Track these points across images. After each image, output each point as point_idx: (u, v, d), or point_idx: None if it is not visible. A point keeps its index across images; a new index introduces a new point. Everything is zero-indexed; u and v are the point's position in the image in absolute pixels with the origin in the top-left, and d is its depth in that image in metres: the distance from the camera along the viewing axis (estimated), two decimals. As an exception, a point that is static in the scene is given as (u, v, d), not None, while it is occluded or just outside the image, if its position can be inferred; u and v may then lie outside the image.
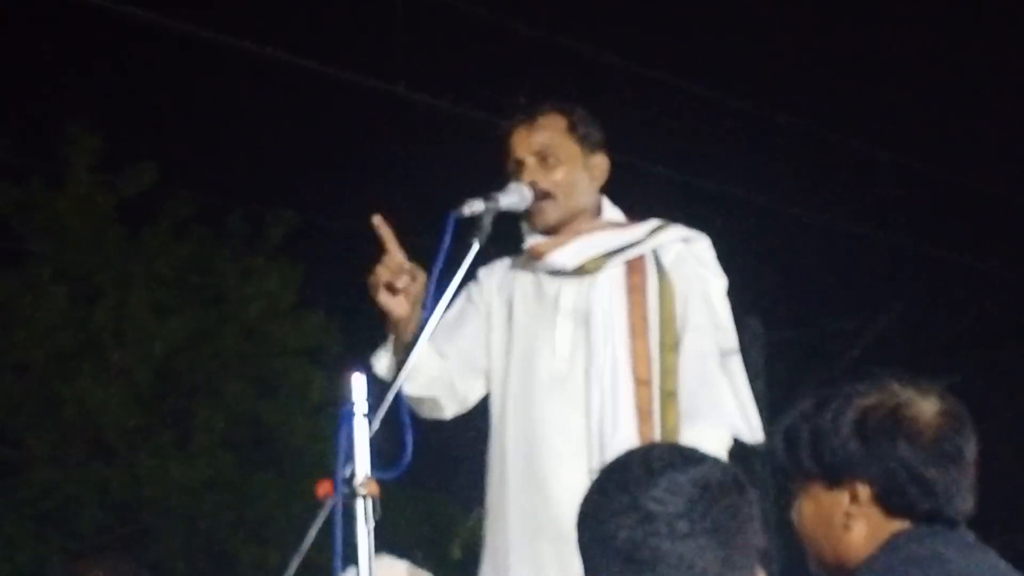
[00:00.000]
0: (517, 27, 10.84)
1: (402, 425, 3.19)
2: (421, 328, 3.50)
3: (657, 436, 3.57)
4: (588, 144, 3.78)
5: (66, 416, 12.66)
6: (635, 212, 3.86)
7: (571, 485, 3.60)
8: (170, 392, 13.40)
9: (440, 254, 3.58)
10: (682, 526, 2.01)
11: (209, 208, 13.68)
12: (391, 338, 3.67)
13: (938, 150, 15.06)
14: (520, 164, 3.75)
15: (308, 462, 13.46)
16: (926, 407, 2.30)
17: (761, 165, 14.52)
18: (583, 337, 3.68)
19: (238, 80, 12.48)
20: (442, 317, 3.47)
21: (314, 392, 13.68)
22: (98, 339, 12.84)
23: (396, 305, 3.58)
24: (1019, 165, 15.97)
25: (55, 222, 12.92)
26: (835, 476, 2.32)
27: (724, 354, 3.73)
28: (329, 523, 2.99)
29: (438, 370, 3.72)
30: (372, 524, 2.99)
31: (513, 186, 3.69)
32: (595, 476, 2.22)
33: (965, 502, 2.30)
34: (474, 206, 3.58)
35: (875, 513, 2.30)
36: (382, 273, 3.55)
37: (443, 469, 14.34)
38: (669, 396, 3.61)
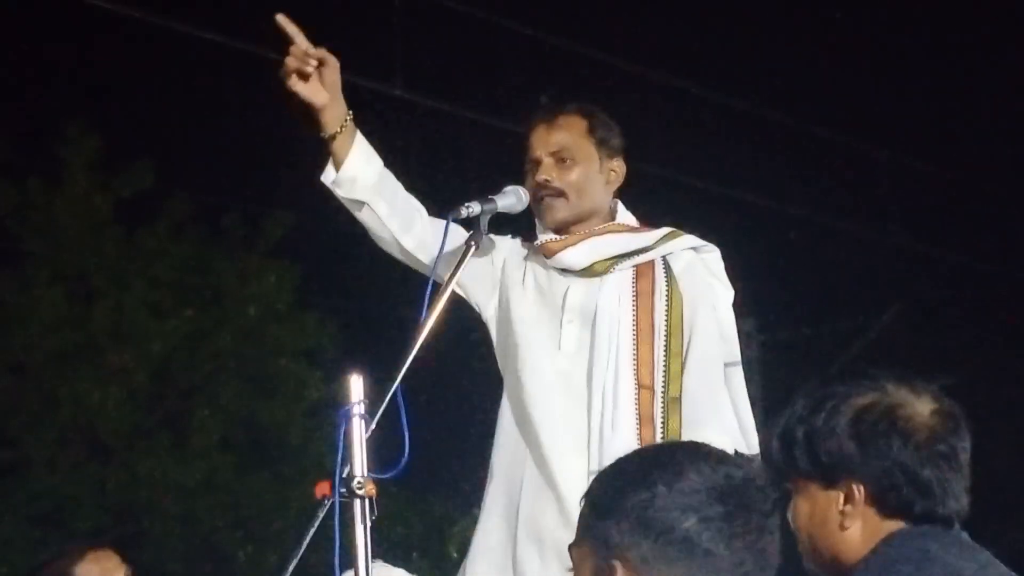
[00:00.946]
0: (514, 28, 10.85)
1: (400, 425, 3.19)
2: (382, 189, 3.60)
3: (659, 441, 3.57)
4: (606, 148, 3.79)
5: (63, 417, 12.66)
6: (636, 212, 3.88)
7: (572, 484, 3.61)
8: (167, 393, 13.40)
9: (438, 256, 3.59)
10: (738, 524, 2.03)
11: (206, 209, 13.69)
12: (326, 140, 3.60)
13: (938, 150, 15.07)
14: (537, 162, 3.77)
15: (305, 462, 13.47)
16: (921, 407, 2.31)
17: (757, 165, 14.53)
18: (588, 337, 3.69)
19: (235, 80, 12.48)
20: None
21: (311, 393, 13.69)
22: (95, 340, 12.84)
23: (311, 92, 3.50)
24: (1019, 165, 15.98)
25: (52, 223, 12.92)
26: (831, 476, 2.32)
27: (727, 365, 3.74)
28: (327, 524, 2.99)
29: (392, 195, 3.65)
30: (369, 524, 3.00)
31: (510, 188, 3.70)
32: (640, 461, 2.19)
33: (959, 502, 2.31)
34: (471, 208, 3.59)
35: (871, 513, 2.31)
36: (289, 62, 3.49)
37: (440, 469, 14.36)
38: (673, 402, 3.61)
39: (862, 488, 2.32)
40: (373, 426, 3.11)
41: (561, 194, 3.73)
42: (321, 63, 3.51)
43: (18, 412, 12.70)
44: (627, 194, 3.95)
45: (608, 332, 3.67)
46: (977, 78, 15.91)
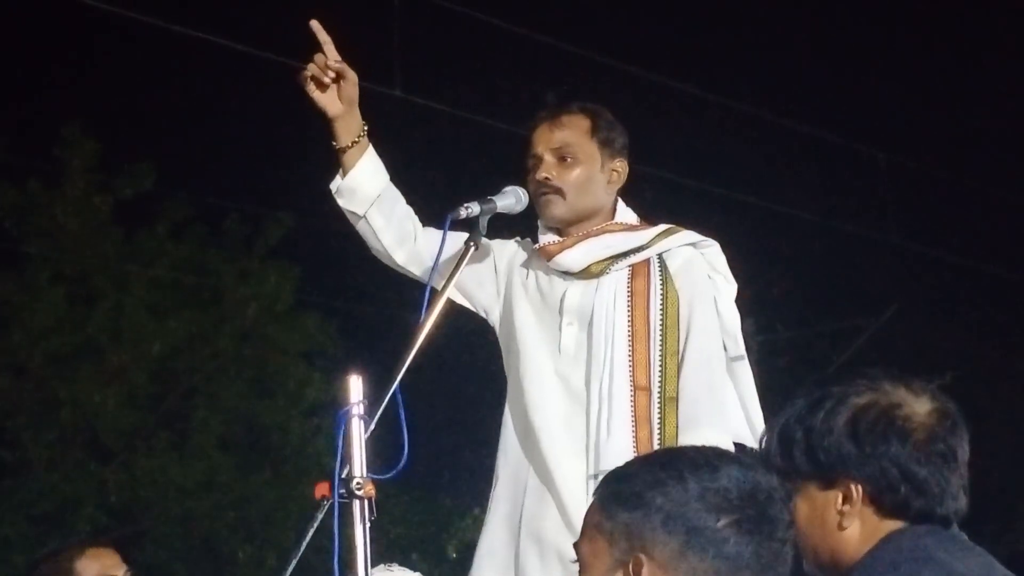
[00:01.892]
0: (513, 30, 10.85)
1: (399, 426, 3.20)
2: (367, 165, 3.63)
3: (656, 442, 3.55)
4: (609, 148, 3.78)
5: (64, 418, 12.68)
6: (636, 212, 3.87)
7: (571, 487, 3.61)
8: (167, 393, 13.42)
9: (438, 255, 3.60)
10: (749, 523, 2.05)
11: (206, 210, 13.71)
12: (337, 151, 3.68)
13: (937, 151, 15.10)
14: (538, 160, 3.76)
15: (305, 463, 13.49)
16: (919, 407, 2.31)
17: (757, 166, 14.55)
18: (585, 339, 3.69)
19: (235, 83, 12.50)
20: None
21: (311, 393, 13.70)
22: (96, 341, 12.86)
23: (327, 102, 3.60)
24: (1019, 166, 16.00)
25: (52, 224, 12.93)
26: (829, 476, 2.33)
27: (732, 360, 3.72)
28: (326, 524, 3.00)
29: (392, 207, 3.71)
30: (369, 525, 3.00)
31: (509, 189, 3.70)
32: (662, 459, 2.21)
33: (957, 501, 2.31)
34: (470, 208, 3.59)
35: (869, 513, 2.31)
36: (310, 68, 3.57)
37: (440, 469, 14.38)
38: (670, 401, 3.59)
39: (860, 488, 2.32)
40: (372, 427, 3.12)
41: (559, 192, 3.73)
42: (340, 76, 3.57)
43: (18, 412, 12.72)
44: (627, 194, 3.95)
45: (604, 334, 3.66)
46: (977, 79, 15.94)
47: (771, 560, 2.09)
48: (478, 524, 3.86)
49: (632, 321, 3.69)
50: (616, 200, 3.85)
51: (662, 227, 3.81)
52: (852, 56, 15.87)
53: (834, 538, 2.36)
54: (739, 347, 3.79)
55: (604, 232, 3.78)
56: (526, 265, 3.86)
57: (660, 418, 3.62)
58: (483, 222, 3.64)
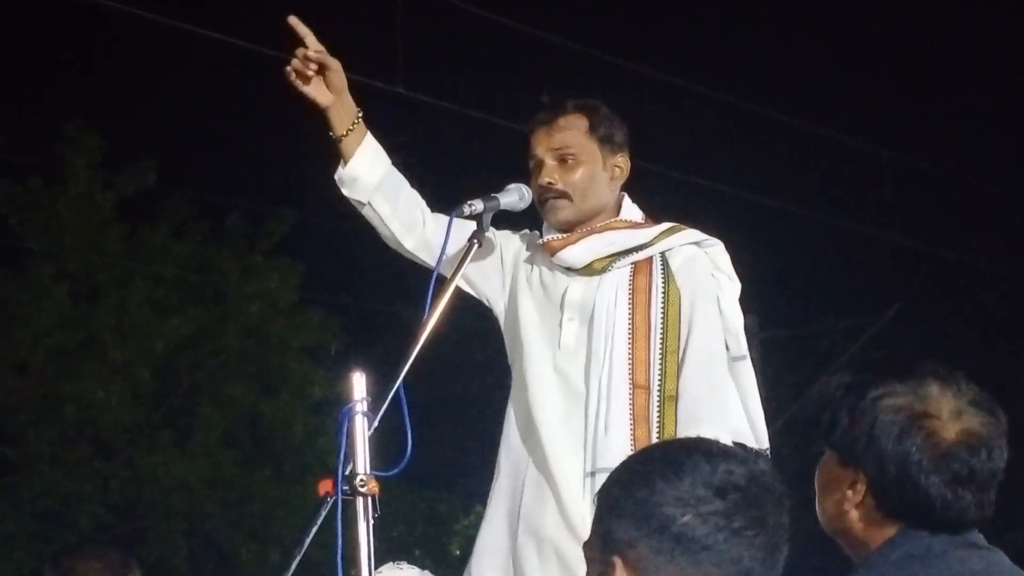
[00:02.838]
0: (516, 27, 10.85)
1: (402, 423, 3.20)
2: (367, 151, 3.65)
3: (654, 440, 3.55)
4: (609, 145, 3.77)
5: (67, 415, 12.68)
6: (642, 210, 3.87)
7: (569, 484, 3.62)
8: (170, 391, 13.42)
9: (440, 253, 3.61)
10: (738, 520, 2.03)
11: (209, 207, 13.71)
12: (334, 140, 3.69)
13: (939, 151, 15.09)
14: (540, 163, 3.76)
15: (308, 460, 13.49)
16: (950, 424, 2.29)
17: (759, 164, 14.55)
18: (586, 335, 3.69)
19: (238, 79, 12.49)
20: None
21: (314, 390, 13.70)
22: (98, 338, 12.86)
23: (316, 93, 3.62)
24: (1019, 165, 16.00)
25: (55, 221, 12.94)
26: (844, 457, 2.35)
27: (734, 359, 3.71)
28: (329, 521, 3.00)
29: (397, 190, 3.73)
30: (372, 522, 3.00)
31: (512, 186, 3.70)
32: (647, 456, 2.21)
33: (967, 514, 2.30)
34: (474, 206, 3.60)
35: (871, 506, 2.32)
36: (293, 63, 3.58)
37: (443, 467, 14.38)
38: (669, 400, 3.59)
39: (864, 481, 2.33)
40: (376, 424, 3.13)
41: (564, 195, 3.72)
42: (322, 67, 3.57)
43: (22, 409, 12.72)
44: (630, 192, 3.94)
45: (604, 331, 3.66)
46: (978, 79, 15.93)
47: (750, 549, 2.07)
48: (481, 522, 3.86)
49: (632, 319, 3.69)
50: (622, 196, 3.85)
51: (666, 225, 3.81)
52: (854, 55, 15.87)
53: (841, 511, 2.39)
54: (741, 346, 3.79)
55: (608, 229, 3.78)
56: (531, 259, 3.87)
57: (659, 417, 3.63)
58: (486, 219, 3.65)
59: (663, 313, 3.70)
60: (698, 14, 14.99)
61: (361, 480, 3.02)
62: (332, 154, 3.76)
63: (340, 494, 3.02)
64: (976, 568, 2.34)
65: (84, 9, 9.92)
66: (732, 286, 3.79)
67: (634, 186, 3.95)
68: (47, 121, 13.03)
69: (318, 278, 14.09)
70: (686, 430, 3.53)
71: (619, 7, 15.06)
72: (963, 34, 15.34)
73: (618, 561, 2.09)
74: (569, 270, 3.78)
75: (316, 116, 3.70)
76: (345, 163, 3.71)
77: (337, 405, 3.14)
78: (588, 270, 3.75)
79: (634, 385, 3.64)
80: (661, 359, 3.66)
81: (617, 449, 3.56)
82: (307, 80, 3.59)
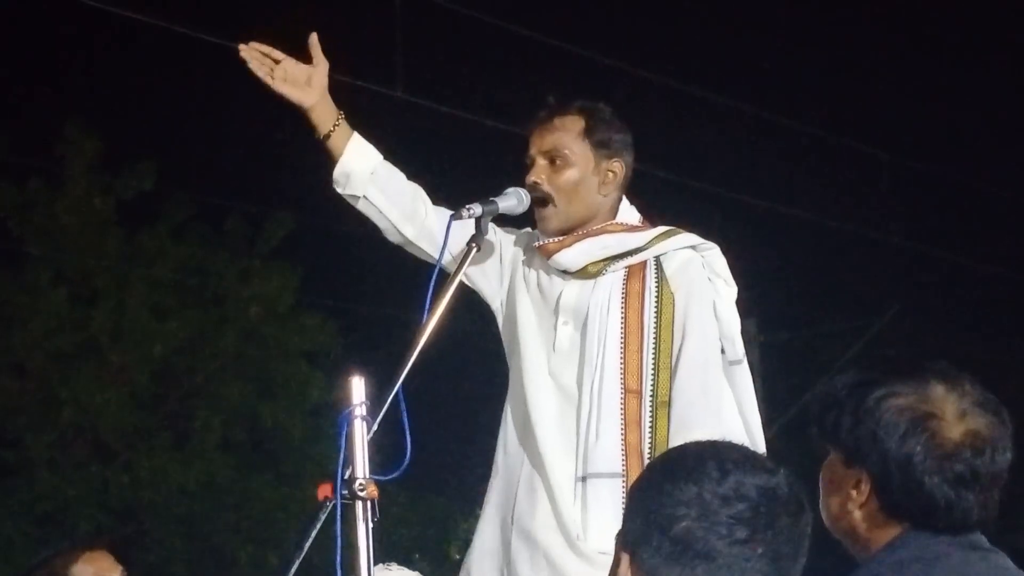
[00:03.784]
0: (515, 31, 10.85)
1: (402, 427, 3.20)
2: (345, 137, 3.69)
3: (646, 446, 3.54)
4: (604, 149, 3.74)
5: (65, 418, 12.68)
6: (645, 215, 3.86)
7: (562, 486, 3.61)
8: (169, 394, 13.42)
9: (440, 256, 3.60)
10: (741, 531, 2.04)
11: (207, 210, 13.71)
12: (321, 141, 3.72)
13: (938, 152, 15.08)
14: (532, 163, 3.76)
15: (307, 464, 13.49)
16: (955, 425, 2.29)
17: (758, 166, 14.54)
18: (579, 339, 3.69)
19: (236, 82, 12.47)
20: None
21: (313, 393, 13.70)
22: (97, 341, 12.86)
23: (299, 93, 3.66)
24: (1019, 166, 15.99)
25: (54, 224, 12.93)
26: (849, 457, 2.35)
27: (730, 363, 3.70)
28: (328, 525, 3.00)
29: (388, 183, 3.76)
30: (371, 526, 3.00)
31: (511, 190, 3.69)
32: (665, 458, 2.21)
33: (970, 516, 2.30)
34: (472, 210, 3.59)
35: (875, 507, 2.32)
36: (275, 70, 3.63)
37: (442, 470, 14.37)
38: (662, 405, 3.58)
39: (868, 481, 2.33)
40: (375, 428, 3.12)
41: (548, 199, 3.71)
42: (313, 65, 3.62)
43: (20, 413, 12.72)
44: (629, 194, 3.93)
45: (597, 335, 3.65)
46: (977, 80, 15.93)
47: (753, 558, 2.07)
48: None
49: (625, 323, 3.68)
50: (619, 199, 3.83)
51: (661, 229, 3.79)
52: (852, 56, 15.86)
53: (845, 511, 2.38)
54: (738, 350, 3.77)
55: (603, 232, 3.76)
56: (529, 260, 3.86)
57: (651, 422, 3.61)
58: (485, 223, 3.64)
59: (656, 317, 3.68)
60: (696, 17, 14.99)
61: (360, 484, 3.02)
62: (328, 161, 3.78)
63: (339, 498, 3.02)
64: (979, 570, 2.34)
65: (83, 12, 9.91)
66: (729, 290, 3.77)
67: (631, 189, 3.94)
68: (46, 124, 13.03)
69: (316, 281, 14.09)
70: (678, 435, 3.51)
71: (617, 10, 15.06)
72: (963, 34, 15.35)
73: (625, 557, 2.11)
74: (565, 273, 3.77)
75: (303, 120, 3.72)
76: (335, 161, 3.73)
77: (336, 409, 3.14)
78: (583, 273, 3.74)
79: (626, 390, 3.63)
80: (654, 364, 3.65)
81: (608, 454, 3.56)
82: (266, 71, 3.64)
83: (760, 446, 3.68)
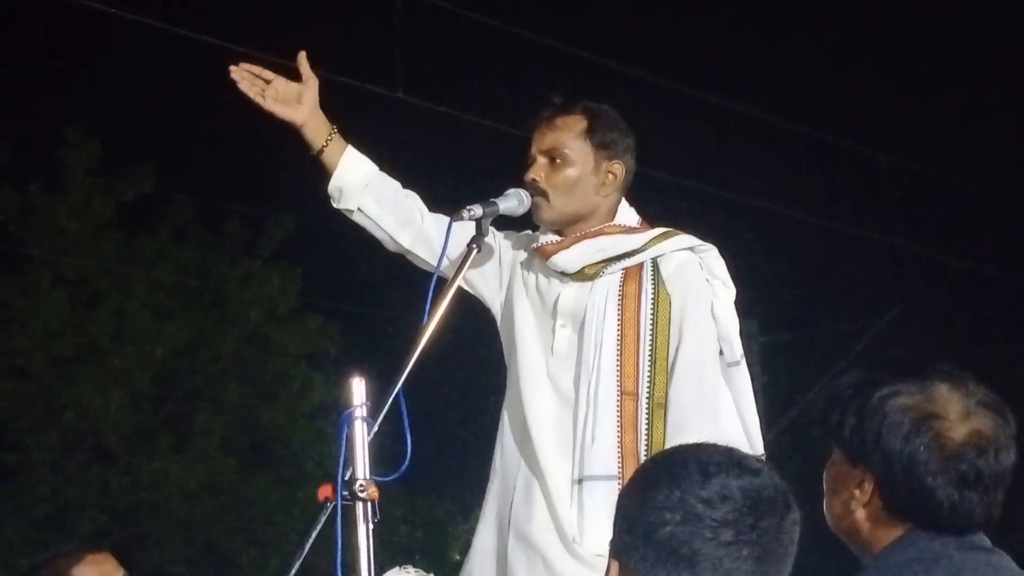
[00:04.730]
0: (515, 32, 10.85)
1: (402, 428, 3.20)
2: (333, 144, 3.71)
3: (643, 448, 3.53)
4: (605, 150, 3.73)
5: (66, 420, 12.68)
6: (639, 213, 3.85)
7: (558, 489, 3.61)
8: (170, 396, 13.42)
9: (440, 258, 3.61)
10: (726, 534, 2.03)
11: (208, 212, 13.71)
12: (315, 157, 3.75)
13: (939, 153, 15.09)
14: (532, 161, 3.76)
15: (308, 465, 13.49)
16: (959, 425, 2.28)
17: (759, 168, 14.55)
18: (577, 341, 3.68)
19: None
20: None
21: (314, 395, 13.71)
22: (97, 343, 12.86)
23: (290, 111, 3.69)
24: (1019, 168, 15.99)
25: (54, 227, 12.94)
26: (852, 457, 2.35)
27: (729, 365, 3.69)
28: (329, 526, 3.00)
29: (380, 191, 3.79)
30: (371, 527, 3.00)
31: (511, 191, 3.69)
32: (649, 463, 2.21)
33: (973, 516, 2.30)
34: (473, 211, 3.59)
35: (878, 507, 2.32)
36: (265, 89, 3.66)
37: (442, 471, 14.37)
38: (658, 407, 3.57)
39: (872, 481, 2.33)
40: (375, 429, 3.12)
41: (544, 195, 3.71)
42: (303, 83, 3.64)
43: (21, 415, 12.72)
44: (629, 196, 3.93)
45: (594, 337, 3.63)
46: (978, 81, 15.93)
47: (739, 560, 2.06)
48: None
49: (622, 326, 3.67)
50: (618, 201, 3.82)
51: (659, 230, 3.77)
52: (853, 56, 15.87)
53: (848, 510, 2.38)
54: (736, 352, 3.75)
55: (601, 234, 3.76)
56: (528, 262, 3.86)
57: (648, 424, 3.60)
58: (486, 224, 3.64)
59: (652, 319, 3.67)
60: (697, 18, 15.00)
61: (361, 485, 3.02)
62: (322, 173, 3.80)
63: (340, 499, 3.02)
64: (982, 571, 2.34)
65: (82, 14, 9.92)
66: (727, 291, 3.76)
67: (632, 191, 3.94)
68: (46, 127, 13.03)
69: (317, 283, 14.09)
70: (675, 438, 3.50)
71: (617, 11, 15.06)
72: (962, 36, 15.35)
73: (614, 565, 2.10)
74: (563, 275, 3.76)
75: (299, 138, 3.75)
76: (330, 176, 3.74)
77: (336, 410, 3.14)
78: (580, 276, 3.74)
79: (622, 392, 3.62)
80: (650, 366, 3.64)
81: (604, 457, 3.55)
82: (257, 91, 3.66)
83: (759, 447, 3.68)
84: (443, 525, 15.58)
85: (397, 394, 3.24)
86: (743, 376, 3.76)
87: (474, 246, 3.60)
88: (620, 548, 2.09)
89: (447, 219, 3.67)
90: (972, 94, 15.93)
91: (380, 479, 3.07)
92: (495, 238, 3.86)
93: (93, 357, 12.86)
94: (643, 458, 3.52)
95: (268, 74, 3.70)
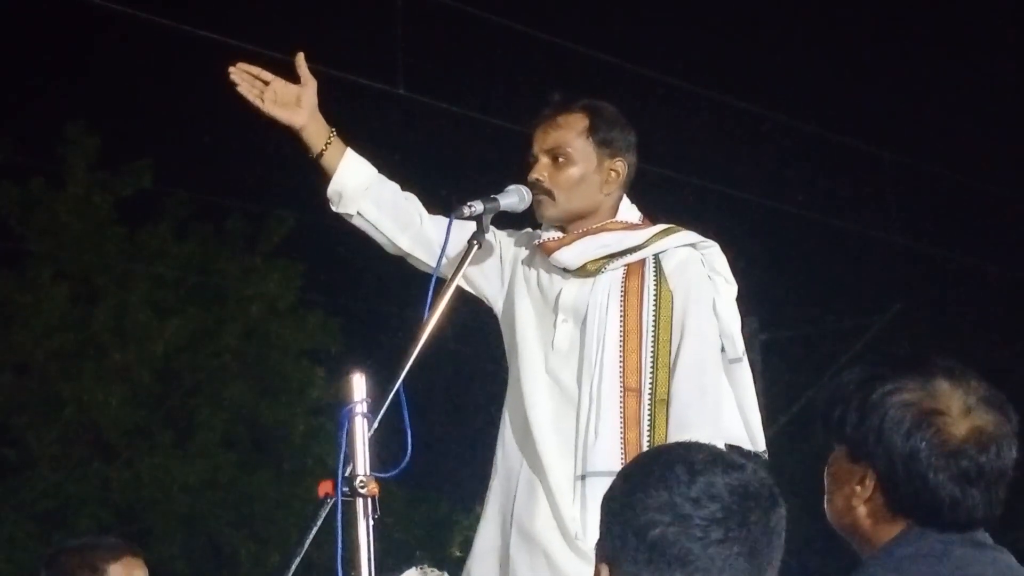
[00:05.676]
0: (515, 29, 10.85)
1: (403, 424, 3.20)
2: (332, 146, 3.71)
3: (645, 444, 3.54)
4: (607, 147, 3.74)
5: (67, 416, 12.68)
6: (646, 213, 3.85)
7: (561, 486, 3.61)
8: (170, 392, 13.42)
9: (441, 253, 3.61)
10: (716, 532, 2.04)
11: (209, 208, 13.71)
12: (314, 160, 3.75)
13: (940, 151, 15.08)
14: (534, 160, 3.76)
15: (308, 461, 13.50)
16: (960, 421, 2.28)
17: (760, 165, 14.55)
18: (579, 338, 3.69)
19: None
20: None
21: (314, 391, 13.71)
22: (98, 339, 12.86)
23: (289, 115, 3.68)
24: (1019, 166, 15.99)
25: (55, 222, 12.94)
26: (854, 453, 2.35)
27: (730, 361, 3.71)
28: (329, 522, 3.00)
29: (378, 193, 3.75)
30: (372, 523, 3.00)
31: (512, 187, 3.69)
32: (634, 465, 2.21)
33: (975, 513, 2.30)
34: (473, 207, 3.59)
35: (880, 503, 2.32)
36: (264, 92, 3.65)
37: (443, 468, 14.37)
38: (660, 404, 3.57)
39: (874, 477, 2.33)
40: (375, 425, 3.12)
41: (549, 194, 3.71)
42: (301, 84, 3.64)
43: (22, 411, 12.72)
44: (630, 193, 3.93)
45: (596, 333, 3.64)
46: (978, 80, 15.93)
47: (730, 558, 2.06)
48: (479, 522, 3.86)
49: (624, 322, 3.68)
50: (620, 198, 3.83)
51: (661, 227, 3.79)
52: (854, 55, 15.87)
53: (849, 506, 2.38)
54: (738, 348, 3.76)
55: (603, 230, 3.76)
56: (529, 259, 3.86)
57: (650, 421, 3.61)
58: (486, 221, 3.64)
59: (655, 316, 3.68)
60: (698, 15, 14.99)
61: (361, 481, 3.02)
62: (321, 176, 3.80)
63: (340, 495, 3.02)
64: (983, 567, 2.34)
65: (82, 10, 9.92)
66: (728, 288, 3.77)
67: (634, 188, 3.94)
68: (47, 123, 13.03)
69: (318, 279, 14.09)
70: (677, 434, 3.51)
71: (618, 8, 15.06)
72: (963, 34, 15.35)
73: (604, 568, 2.10)
74: (564, 271, 3.77)
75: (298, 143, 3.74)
76: (329, 179, 3.74)
77: (337, 406, 3.14)
78: (582, 272, 3.74)
79: (625, 389, 3.63)
80: (652, 362, 3.65)
81: (607, 453, 3.56)
82: (251, 89, 3.65)
83: (760, 444, 3.68)
84: (444, 521, 15.57)
85: (397, 390, 3.24)
86: (745, 372, 3.76)
87: (475, 242, 3.60)
88: (610, 551, 2.09)
89: (447, 220, 3.67)
90: (974, 91, 15.93)
91: (380, 475, 3.07)
92: (495, 236, 3.86)
93: (94, 353, 12.87)
94: (646, 455, 3.53)
95: (267, 75, 3.68)
